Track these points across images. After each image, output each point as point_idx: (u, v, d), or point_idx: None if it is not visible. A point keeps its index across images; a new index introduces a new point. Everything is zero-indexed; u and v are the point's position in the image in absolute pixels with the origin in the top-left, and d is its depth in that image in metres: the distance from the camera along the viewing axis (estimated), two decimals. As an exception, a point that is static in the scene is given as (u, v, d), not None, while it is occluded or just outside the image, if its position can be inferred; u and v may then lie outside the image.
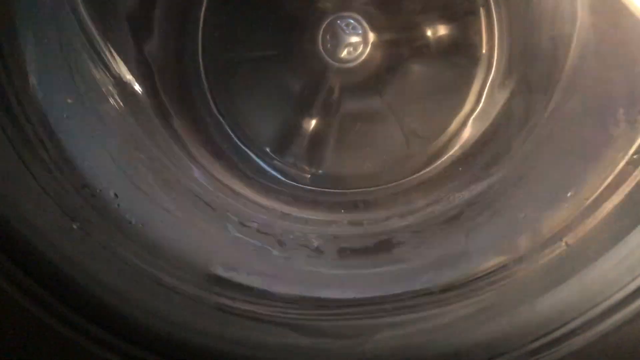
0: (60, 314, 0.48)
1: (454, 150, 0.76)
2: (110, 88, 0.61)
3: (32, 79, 0.52)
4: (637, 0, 0.40)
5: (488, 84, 0.77)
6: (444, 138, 0.77)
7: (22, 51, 0.52)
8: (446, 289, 0.53)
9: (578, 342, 0.47)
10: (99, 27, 0.61)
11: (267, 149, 0.79)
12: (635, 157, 0.51)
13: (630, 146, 0.51)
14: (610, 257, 0.48)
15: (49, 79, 0.54)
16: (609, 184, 0.52)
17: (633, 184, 0.50)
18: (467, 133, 0.76)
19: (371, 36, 0.78)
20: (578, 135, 0.58)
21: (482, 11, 0.77)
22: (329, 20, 0.78)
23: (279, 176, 0.78)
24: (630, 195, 0.50)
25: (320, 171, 0.79)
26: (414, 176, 0.76)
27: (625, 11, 0.40)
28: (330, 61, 0.78)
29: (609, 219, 0.50)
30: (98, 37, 0.61)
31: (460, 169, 0.73)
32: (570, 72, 0.61)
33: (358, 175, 0.78)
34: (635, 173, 0.50)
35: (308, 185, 0.78)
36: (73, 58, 0.57)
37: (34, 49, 0.53)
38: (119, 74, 0.64)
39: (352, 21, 0.78)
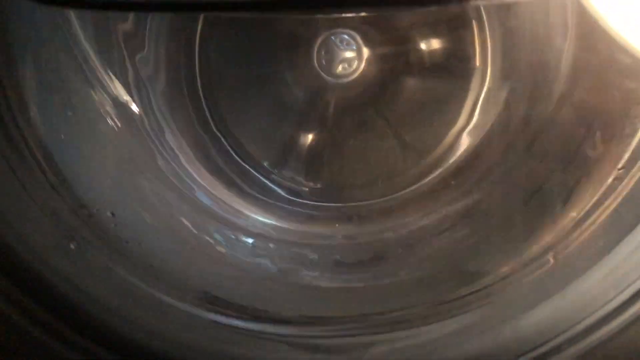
0: (57, 332, 0.49)
1: (448, 163, 0.76)
2: (108, 109, 0.62)
3: (30, 101, 0.53)
4: (621, 30, 0.41)
5: (482, 98, 0.77)
6: (438, 151, 0.78)
7: (20, 74, 0.53)
8: (437, 303, 0.53)
9: (565, 356, 0.48)
10: (95, 49, 0.62)
11: (265, 164, 0.80)
12: (620, 172, 0.52)
13: (616, 162, 0.52)
14: (597, 271, 0.48)
15: (47, 101, 0.55)
16: (596, 200, 0.52)
17: (619, 199, 0.51)
18: (461, 146, 0.76)
19: (365, 51, 0.79)
20: (567, 151, 0.58)
21: (474, 24, 0.78)
22: (323, 37, 0.78)
23: (277, 190, 0.79)
24: (616, 210, 0.51)
25: (316, 185, 0.80)
26: (408, 189, 0.76)
27: (606, 37, 0.42)
28: (326, 77, 0.79)
29: (595, 234, 0.51)
30: (95, 59, 0.62)
31: (453, 182, 0.73)
32: (557, 90, 0.62)
33: (353, 188, 0.79)
34: (620, 188, 0.51)
35: (305, 199, 0.78)
36: (70, 80, 0.59)
37: (31, 72, 0.54)
38: (116, 95, 0.65)
39: (346, 37, 0.79)
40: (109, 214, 0.55)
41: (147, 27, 0.71)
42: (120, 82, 0.65)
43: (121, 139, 0.63)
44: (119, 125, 0.63)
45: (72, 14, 0.59)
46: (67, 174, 0.54)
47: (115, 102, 0.64)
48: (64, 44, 0.59)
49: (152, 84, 0.70)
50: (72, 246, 0.51)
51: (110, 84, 0.64)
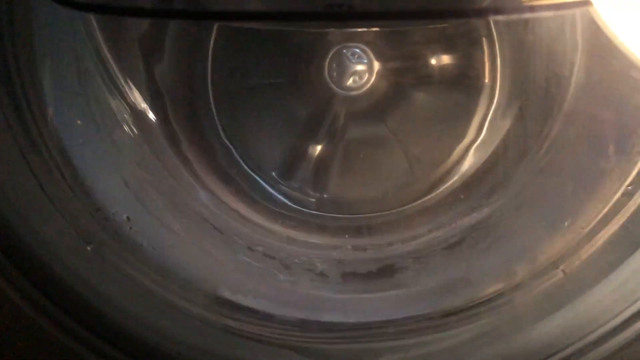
0: (73, 332, 0.50)
1: (456, 178, 0.77)
2: (125, 116, 0.63)
3: (50, 106, 0.54)
4: (633, 46, 0.42)
5: (490, 114, 0.78)
6: (446, 166, 0.78)
7: (40, 79, 0.54)
8: (446, 314, 0.54)
9: (574, 367, 0.48)
10: (115, 57, 0.63)
11: (274, 174, 0.81)
12: (629, 188, 0.53)
13: (626, 178, 0.53)
14: (606, 284, 0.49)
15: (67, 107, 0.56)
16: (605, 215, 0.53)
17: (628, 214, 0.52)
18: (469, 161, 0.77)
19: (376, 65, 0.80)
20: (575, 167, 0.59)
21: (485, 42, 0.79)
22: (335, 50, 0.79)
23: (285, 200, 0.80)
24: (625, 226, 0.51)
25: (325, 196, 0.80)
26: (417, 203, 0.77)
27: (617, 54, 0.42)
28: (336, 89, 0.80)
29: (604, 248, 0.52)
30: (114, 66, 0.63)
31: (461, 196, 0.74)
32: (567, 106, 0.62)
33: (362, 200, 0.79)
34: (629, 204, 0.52)
35: (313, 210, 0.79)
36: (90, 87, 0.59)
37: (52, 78, 0.55)
38: (133, 102, 0.66)
39: (358, 51, 0.80)
40: (125, 217, 0.55)
41: (163, 36, 0.72)
42: (137, 90, 0.66)
43: (137, 145, 0.63)
44: (135, 131, 0.64)
45: (92, 19, 0.60)
46: (85, 177, 0.54)
47: (132, 110, 0.65)
48: (85, 51, 0.60)
49: (166, 93, 0.71)
50: (88, 248, 0.52)
51: (128, 92, 0.65)
